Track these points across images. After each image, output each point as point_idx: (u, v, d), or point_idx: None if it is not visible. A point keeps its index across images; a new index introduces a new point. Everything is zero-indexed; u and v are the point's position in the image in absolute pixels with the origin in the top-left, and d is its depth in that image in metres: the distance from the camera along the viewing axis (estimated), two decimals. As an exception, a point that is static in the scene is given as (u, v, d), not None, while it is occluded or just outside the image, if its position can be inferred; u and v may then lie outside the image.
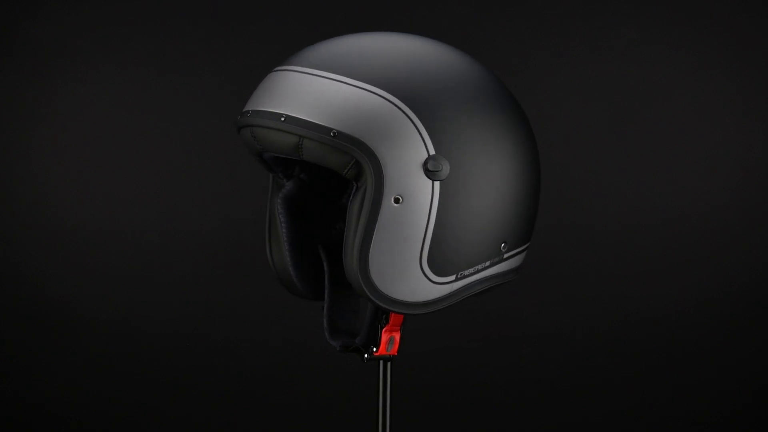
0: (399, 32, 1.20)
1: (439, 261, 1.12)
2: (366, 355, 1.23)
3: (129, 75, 2.11)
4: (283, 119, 1.12)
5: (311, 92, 1.12)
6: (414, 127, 1.11)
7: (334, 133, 1.10)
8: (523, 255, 1.21)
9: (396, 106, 1.11)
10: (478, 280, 1.16)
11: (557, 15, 2.12)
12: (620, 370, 2.13)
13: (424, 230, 1.11)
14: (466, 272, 1.14)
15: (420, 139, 1.11)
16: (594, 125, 2.11)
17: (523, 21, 2.12)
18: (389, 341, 1.22)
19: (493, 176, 1.14)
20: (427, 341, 2.10)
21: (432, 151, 1.10)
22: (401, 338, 1.23)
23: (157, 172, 2.12)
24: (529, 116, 1.20)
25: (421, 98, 1.12)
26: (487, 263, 1.15)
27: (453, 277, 1.14)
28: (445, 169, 1.11)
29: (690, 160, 2.11)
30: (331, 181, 1.27)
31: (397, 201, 1.11)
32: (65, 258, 2.12)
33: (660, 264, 2.11)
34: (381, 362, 1.25)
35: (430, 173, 1.11)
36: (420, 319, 1.22)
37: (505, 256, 1.16)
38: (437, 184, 1.11)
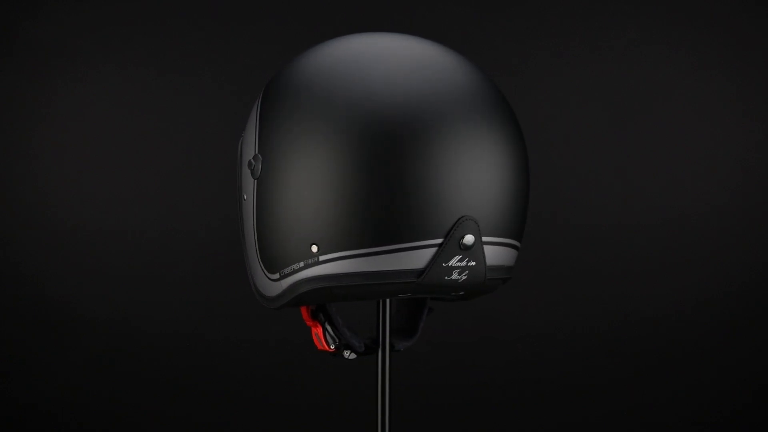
0: (393, 33, 1.15)
1: (266, 258, 1.12)
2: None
3: (129, 75, 2.11)
4: None
5: None
6: (255, 124, 1.11)
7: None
8: (366, 259, 1.06)
9: (258, 102, 1.13)
10: (300, 280, 1.09)
11: (557, 15, 2.11)
12: (620, 370, 2.12)
13: (253, 228, 1.11)
14: (286, 271, 1.10)
15: (255, 136, 1.11)
16: (594, 125, 2.11)
17: (523, 21, 2.12)
18: (316, 336, 1.21)
19: (298, 179, 1.06)
20: (426, 341, 2.10)
21: (257, 150, 1.10)
22: (321, 336, 1.21)
23: (157, 172, 2.12)
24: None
25: (269, 95, 1.11)
26: (301, 264, 1.08)
27: (278, 275, 1.11)
28: (257, 168, 1.09)
29: (690, 160, 2.11)
30: None
31: (245, 197, 1.13)
32: (65, 258, 2.12)
33: (660, 264, 2.11)
34: (380, 361, 1.25)
35: (249, 171, 1.11)
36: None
37: (321, 258, 1.06)
38: (256, 182, 1.10)
